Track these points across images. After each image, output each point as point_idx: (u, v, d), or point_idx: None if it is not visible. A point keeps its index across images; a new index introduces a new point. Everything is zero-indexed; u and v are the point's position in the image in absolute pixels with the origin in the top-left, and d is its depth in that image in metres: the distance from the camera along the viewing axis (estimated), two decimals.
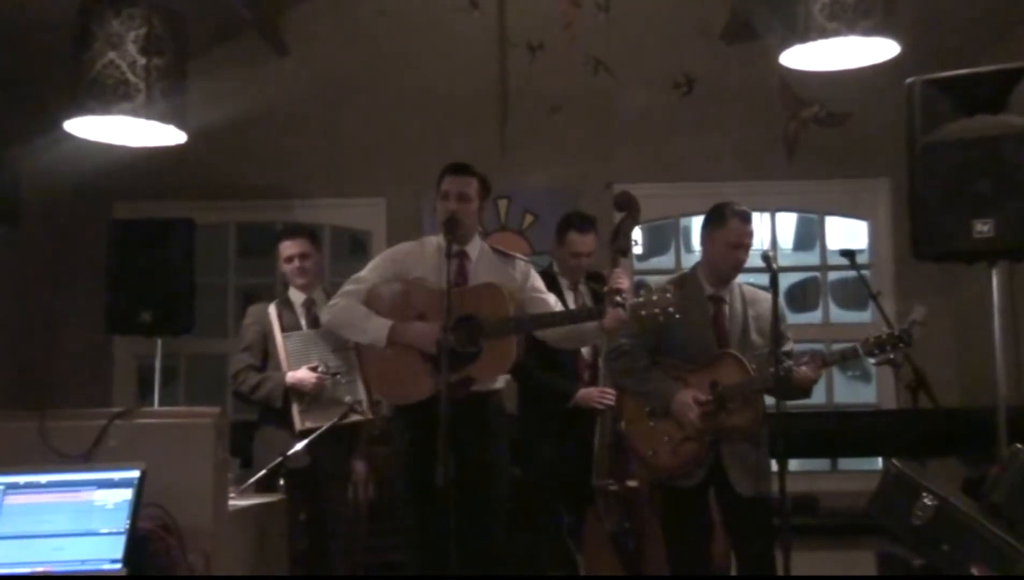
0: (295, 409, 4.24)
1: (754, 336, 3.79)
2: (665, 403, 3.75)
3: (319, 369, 4.23)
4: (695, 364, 3.77)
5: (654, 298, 3.35)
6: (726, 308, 3.83)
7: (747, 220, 3.80)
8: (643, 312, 3.36)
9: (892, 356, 3.73)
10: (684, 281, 3.85)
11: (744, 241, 3.78)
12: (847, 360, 3.76)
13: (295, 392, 4.23)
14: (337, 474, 4.35)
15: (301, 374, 4.23)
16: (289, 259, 4.43)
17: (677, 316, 3.35)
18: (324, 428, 4.05)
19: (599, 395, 4.26)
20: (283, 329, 4.37)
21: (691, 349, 3.78)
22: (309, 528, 4.26)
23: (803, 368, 3.63)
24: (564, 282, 4.47)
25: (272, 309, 4.43)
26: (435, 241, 3.77)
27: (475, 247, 3.71)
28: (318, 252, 4.54)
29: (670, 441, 3.75)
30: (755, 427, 3.70)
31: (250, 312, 4.54)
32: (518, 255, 3.86)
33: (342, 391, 4.25)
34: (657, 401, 3.79)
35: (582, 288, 4.49)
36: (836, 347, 3.81)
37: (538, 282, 3.77)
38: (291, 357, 4.31)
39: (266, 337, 4.40)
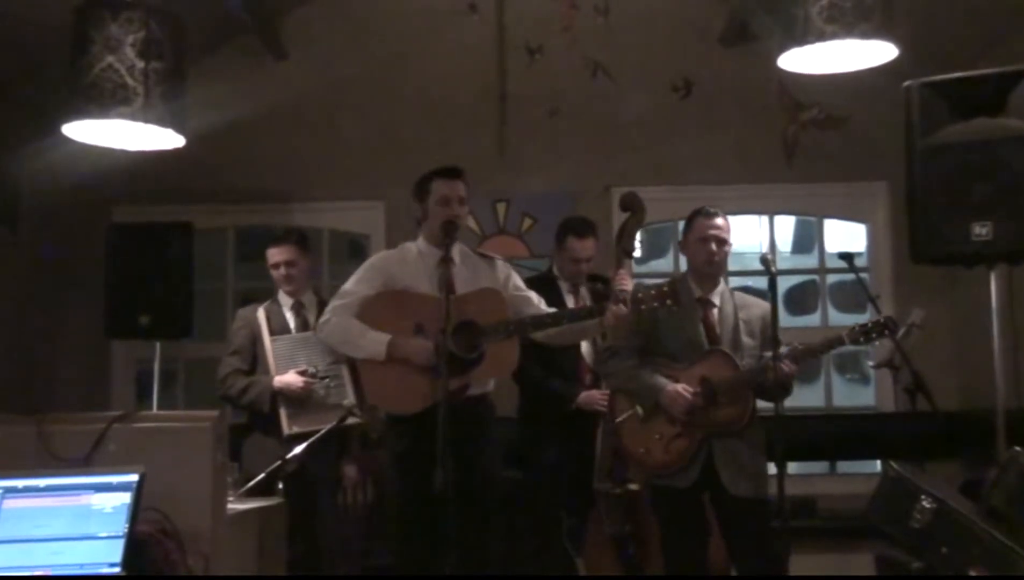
0: (283, 413, 4.23)
1: (744, 337, 3.83)
2: (654, 398, 3.77)
3: (308, 372, 4.22)
4: (686, 362, 3.80)
5: (652, 292, 3.37)
6: (715, 311, 3.86)
7: (711, 216, 3.85)
8: (643, 306, 3.38)
9: (878, 343, 3.74)
10: (675, 284, 3.90)
11: (708, 233, 3.82)
12: (832, 348, 3.77)
13: (283, 396, 4.23)
14: (327, 478, 4.34)
15: (288, 378, 4.23)
16: (276, 266, 4.45)
17: (675, 308, 3.40)
18: (324, 431, 4.05)
19: (601, 398, 4.26)
20: (272, 332, 4.38)
21: (682, 349, 3.82)
22: (302, 532, 4.26)
23: (780, 365, 3.64)
24: (564, 285, 4.48)
25: (261, 313, 4.43)
26: (414, 248, 3.75)
27: (456, 251, 3.69)
28: (306, 257, 4.54)
29: (661, 438, 3.77)
30: (743, 422, 3.71)
31: (239, 315, 4.55)
32: (496, 256, 3.86)
33: (331, 395, 4.25)
34: (647, 397, 3.81)
35: (583, 291, 4.49)
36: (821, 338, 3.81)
37: (519, 281, 3.79)
38: (278, 361, 4.30)
39: (255, 341, 4.40)
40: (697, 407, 3.70)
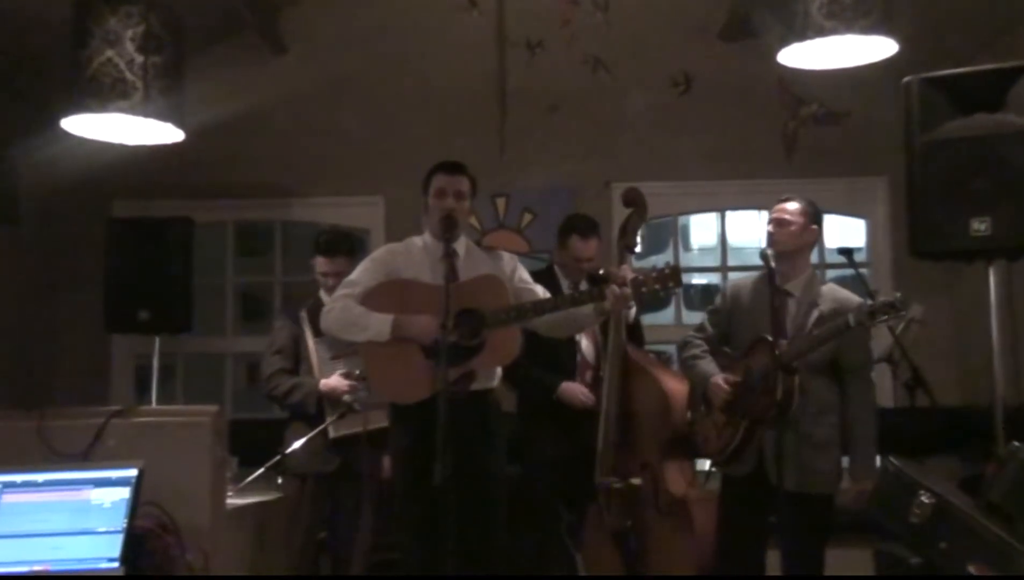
0: (328, 417, 4.17)
1: (815, 330, 3.78)
2: (703, 387, 3.89)
3: (352, 374, 4.20)
4: (740, 353, 3.88)
5: (654, 275, 3.38)
6: (790, 302, 3.83)
7: (778, 202, 3.91)
8: (644, 288, 3.38)
9: (890, 324, 3.70)
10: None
11: (772, 216, 3.89)
12: (839, 334, 3.64)
13: (329, 400, 4.20)
14: (361, 474, 4.29)
15: (334, 382, 4.19)
16: (324, 275, 4.39)
17: (677, 290, 3.45)
18: (332, 433, 4.05)
19: (582, 392, 4.26)
20: (316, 333, 4.33)
21: (749, 340, 3.86)
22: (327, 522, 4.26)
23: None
24: (565, 282, 4.47)
25: (304, 314, 4.39)
26: (419, 241, 3.75)
27: (461, 245, 3.69)
28: (354, 264, 4.51)
29: (715, 426, 3.86)
30: (773, 410, 3.64)
31: (281, 315, 4.57)
32: (501, 249, 3.86)
33: (372, 395, 4.21)
34: (700, 386, 3.93)
35: (583, 287, 4.48)
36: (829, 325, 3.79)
37: (525, 274, 3.78)
38: (322, 362, 4.28)
39: (297, 341, 4.37)
40: (736, 395, 3.75)
